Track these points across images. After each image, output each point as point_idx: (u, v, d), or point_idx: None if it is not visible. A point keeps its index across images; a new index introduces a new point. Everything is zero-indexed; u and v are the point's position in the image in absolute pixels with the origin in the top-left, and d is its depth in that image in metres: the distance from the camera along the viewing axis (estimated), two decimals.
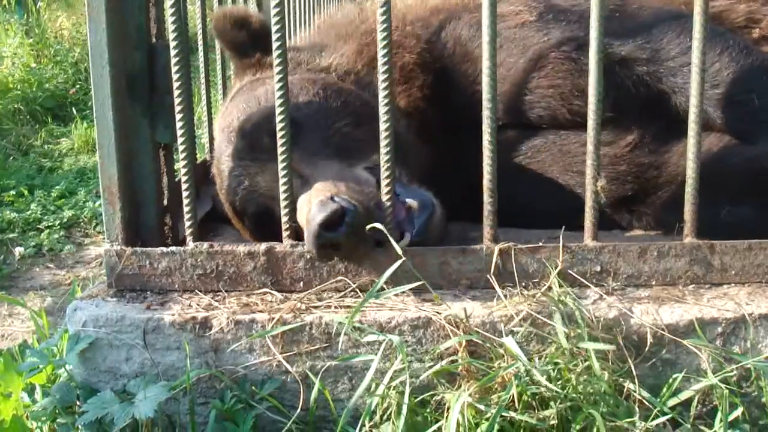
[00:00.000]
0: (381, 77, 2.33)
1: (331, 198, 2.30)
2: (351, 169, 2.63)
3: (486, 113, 2.32)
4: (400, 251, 2.23)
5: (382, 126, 2.35)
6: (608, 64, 2.72)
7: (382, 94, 2.34)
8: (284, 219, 2.44)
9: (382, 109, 2.34)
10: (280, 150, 2.38)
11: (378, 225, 2.25)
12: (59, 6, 11.42)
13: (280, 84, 2.36)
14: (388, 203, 2.38)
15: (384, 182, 2.37)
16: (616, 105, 2.83)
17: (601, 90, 2.33)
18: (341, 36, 3.22)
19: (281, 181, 2.39)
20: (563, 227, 2.46)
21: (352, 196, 2.33)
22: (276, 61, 2.35)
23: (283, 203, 2.43)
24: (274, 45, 2.35)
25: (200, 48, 3.65)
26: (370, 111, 2.70)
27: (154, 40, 2.51)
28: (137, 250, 2.50)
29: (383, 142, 2.35)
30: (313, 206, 2.29)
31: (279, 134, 2.37)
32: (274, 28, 2.35)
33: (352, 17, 3.33)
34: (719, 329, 2.29)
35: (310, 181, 2.50)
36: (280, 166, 2.39)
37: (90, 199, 5.41)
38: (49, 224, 5.07)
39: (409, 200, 2.51)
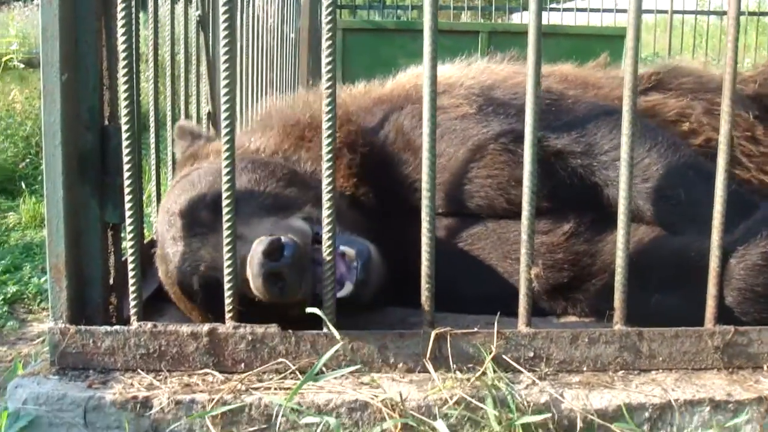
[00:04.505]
0: (324, 146, 2.41)
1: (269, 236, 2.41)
2: (286, 220, 2.73)
3: (425, 202, 2.41)
4: (338, 336, 2.29)
5: (325, 182, 2.41)
6: (544, 157, 2.85)
7: (325, 152, 2.41)
8: (228, 300, 2.47)
9: (325, 165, 2.41)
10: (225, 225, 2.42)
11: (316, 310, 2.31)
12: (12, 79, 11.43)
13: (228, 154, 2.42)
14: (329, 258, 2.43)
15: (325, 237, 2.42)
16: (553, 195, 2.95)
17: (535, 182, 2.42)
18: (266, 126, 3.44)
19: (225, 256, 2.43)
20: (500, 312, 2.53)
21: (290, 237, 2.43)
22: (224, 139, 2.43)
23: (227, 280, 2.45)
24: (224, 125, 2.43)
25: (152, 126, 3.73)
26: (297, 176, 2.96)
27: (106, 122, 2.56)
28: (81, 328, 2.51)
29: (325, 197, 2.41)
30: (253, 246, 2.39)
31: (224, 209, 2.41)
32: (223, 108, 2.43)
33: (273, 111, 3.61)
34: (647, 414, 2.36)
35: (248, 239, 2.53)
36: (225, 241, 2.42)
37: (35, 275, 5.35)
38: None
39: (343, 247, 2.56)
